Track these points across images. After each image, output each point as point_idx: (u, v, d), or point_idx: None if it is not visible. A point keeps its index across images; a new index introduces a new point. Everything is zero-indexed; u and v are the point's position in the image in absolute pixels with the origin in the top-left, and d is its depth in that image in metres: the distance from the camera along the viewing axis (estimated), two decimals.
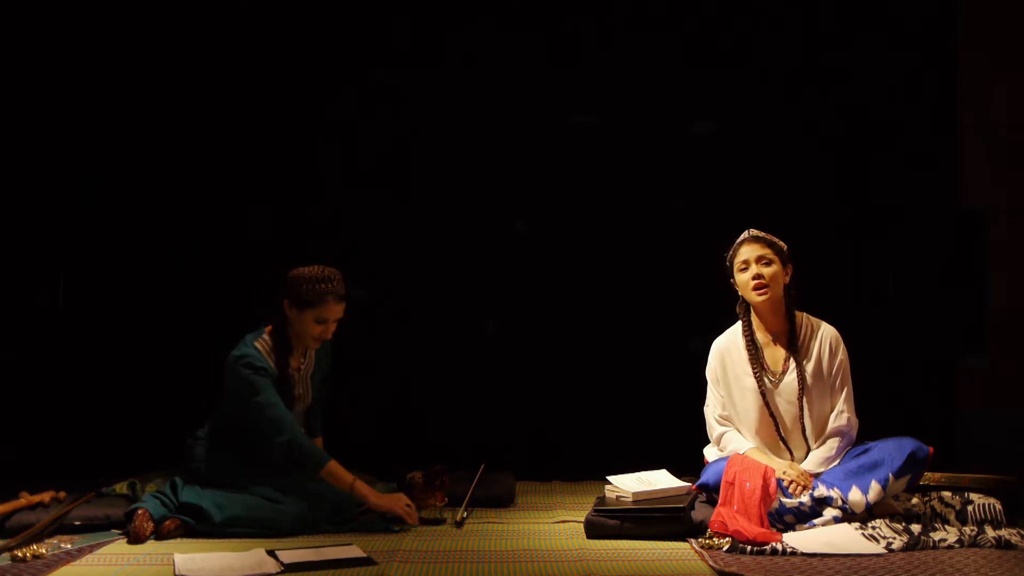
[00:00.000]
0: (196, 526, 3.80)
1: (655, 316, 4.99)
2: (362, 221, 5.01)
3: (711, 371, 4.07)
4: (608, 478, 3.96)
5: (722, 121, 5.01)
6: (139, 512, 3.77)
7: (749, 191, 4.94)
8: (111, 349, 4.92)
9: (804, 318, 4.01)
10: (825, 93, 4.97)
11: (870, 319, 4.84)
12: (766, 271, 3.90)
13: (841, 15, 4.97)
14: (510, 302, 5.01)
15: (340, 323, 4.05)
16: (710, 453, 4.08)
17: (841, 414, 3.92)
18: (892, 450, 3.75)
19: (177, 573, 3.31)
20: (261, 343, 3.98)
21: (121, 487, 4.22)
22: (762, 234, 3.97)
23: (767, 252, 3.92)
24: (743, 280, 3.94)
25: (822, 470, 3.85)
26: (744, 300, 4.01)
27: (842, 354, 3.96)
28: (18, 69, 4.90)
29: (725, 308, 4.20)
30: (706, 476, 3.91)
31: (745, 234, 4.00)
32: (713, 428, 4.05)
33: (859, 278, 4.96)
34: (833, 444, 3.89)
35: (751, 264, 3.92)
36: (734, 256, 3.98)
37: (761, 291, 3.90)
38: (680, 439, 4.42)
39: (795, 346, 3.95)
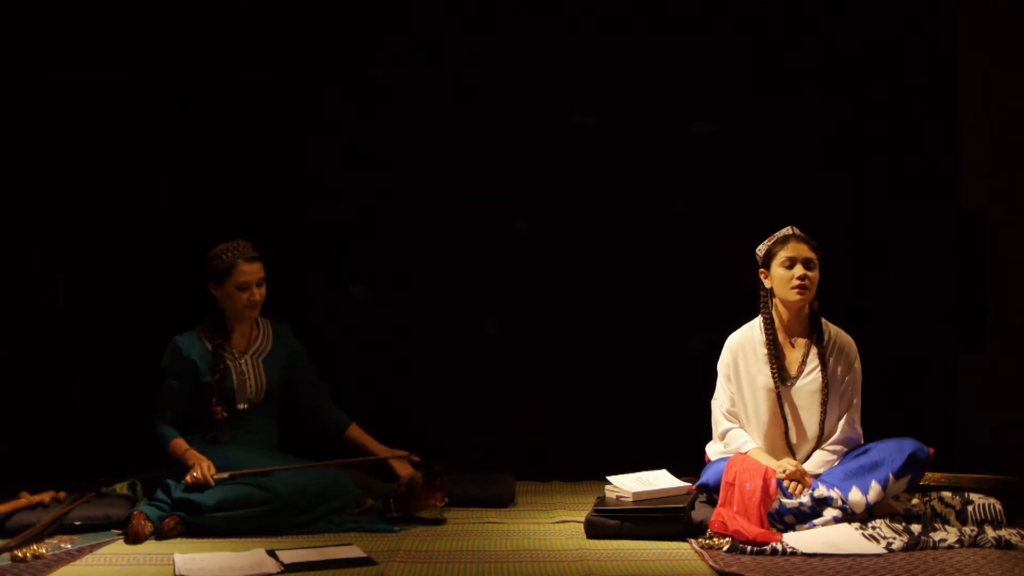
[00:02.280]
0: (191, 518, 3.82)
1: (655, 316, 4.98)
2: (362, 221, 5.01)
3: (723, 366, 4.05)
4: (608, 478, 3.96)
5: (722, 121, 5.01)
6: (135, 513, 3.82)
7: (749, 191, 4.93)
8: (111, 349, 4.91)
9: (824, 324, 4.00)
10: (825, 93, 4.97)
11: (870, 319, 4.84)
12: (810, 274, 3.89)
13: (841, 15, 4.96)
14: (510, 302, 5.00)
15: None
16: (712, 449, 4.08)
17: (851, 423, 3.92)
18: (892, 450, 3.75)
19: (177, 573, 3.31)
20: (200, 327, 4.18)
21: (121, 487, 4.22)
22: (807, 236, 3.96)
23: (813, 256, 3.91)
24: (784, 276, 3.90)
25: (822, 471, 3.85)
26: (769, 296, 3.99)
27: (856, 365, 3.96)
28: (18, 69, 4.89)
29: (725, 308, 4.20)
30: (706, 476, 3.91)
31: (788, 230, 3.97)
32: (719, 423, 4.05)
33: (859, 278, 4.95)
34: (837, 449, 3.89)
35: (798, 263, 3.89)
36: (778, 250, 3.93)
37: (801, 292, 3.88)
38: (680, 439, 4.42)
39: (824, 350, 3.94)
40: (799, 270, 3.89)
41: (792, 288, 3.89)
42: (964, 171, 4.96)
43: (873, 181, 4.98)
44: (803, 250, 3.91)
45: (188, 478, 3.88)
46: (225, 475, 3.91)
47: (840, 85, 4.97)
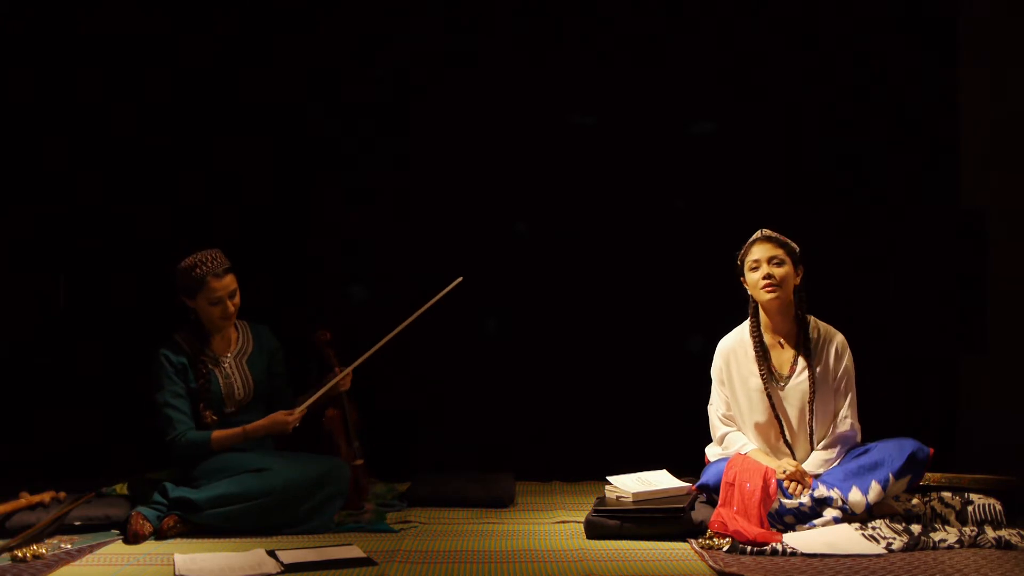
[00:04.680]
0: (189, 516, 3.83)
1: (655, 316, 4.98)
2: (362, 221, 5.01)
3: (716, 370, 4.07)
4: (608, 478, 3.96)
5: (722, 121, 5.01)
6: (133, 514, 3.82)
7: (749, 191, 4.93)
8: (111, 349, 4.91)
9: (813, 321, 4.00)
10: (825, 93, 4.97)
11: (870, 319, 4.84)
12: (777, 271, 3.90)
13: (842, 16, 4.96)
14: (510, 302, 5.00)
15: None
16: (712, 452, 4.08)
17: (845, 419, 3.92)
18: (892, 450, 3.75)
19: (177, 573, 3.31)
20: (180, 334, 4.14)
21: (121, 487, 4.23)
22: (775, 234, 3.96)
23: (779, 252, 3.92)
24: (753, 280, 3.93)
25: (821, 471, 3.85)
26: (754, 300, 4.00)
27: (848, 360, 3.96)
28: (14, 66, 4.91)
29: (725, 308, 4.19)
30: (706, 477, 3.91)
31: (758, 233, 3.99)
32: (716, 428, 4.05)
33: (859, 278, 4.96)
34: (835, 448, 3.89)
35: (762, 264, 3.91)
36: (745, 255, 3.97)
37: (771, 290, 3.89)
38: (680, 439, 4.41)
39: (808, 348, 3.94)
40: (764, 269, 3.90)
41: (762, 288, 3.91)
42: (964, 171, 4.96)
43: (873, 181, 4.97)
44: (767, 250, 3.93)
45: (290, 426, 4.04)
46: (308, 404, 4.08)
47: (840, 85, 4.97)
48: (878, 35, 4.97)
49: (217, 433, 4.02)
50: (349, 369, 4.18)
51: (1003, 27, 4.91)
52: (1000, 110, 4.91)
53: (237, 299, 4.11)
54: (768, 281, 3.89)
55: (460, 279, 4.20)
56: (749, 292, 3.99)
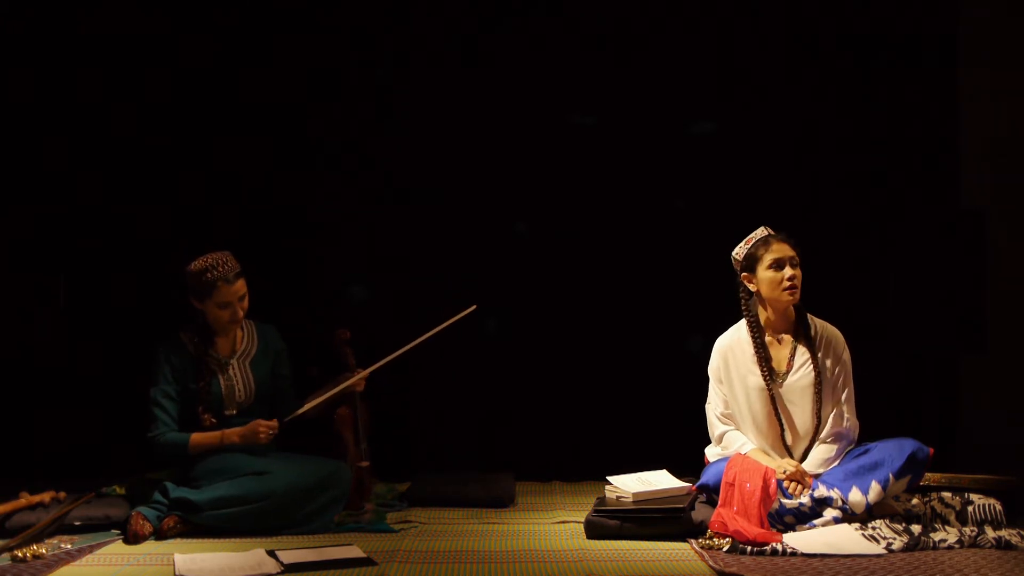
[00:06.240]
0: (189, 517, 3.83)
1: (655, 316, 4.98)
2: (362, 221, 5.01)
3: (714, 369, 4.06)
4: (608, 478, 3.96)
5: (722, 121, 5.01)
6: (133, 514, 3.81)
7: (750, 191, 4.93)
8: (111, 349, 4.91)
9: (809, 318, 4.00)
10: (825, 93, 4.97)
11: (870, 319, 4.84)
12: (798, 273, 3.90)
13: (841, 16, 4.96)
14: (510, 302, 5.00)
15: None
16: (711, 452, 4.08)
17: (842, 416, 3.92)
18: (892, 451, 3.75)
19: (177, 573, 3.31)
20: (185, 333, 4.15)
21: (121, 487, 4.22)
22: (782, 234, 3.96)
23: (795, 253, 3.92)
24: (773, 278, 3.90)
25: (821, 471, 3.85)
26: (751, 297, 3.99)
27: (845, 355, 3.96)
28: (14, 66, 4.91)
29: (725, 308, 4.19)
30: (706, 477, 3.91)
31: (762, 231, 3.97)
32: (715, 427, 4.05)
33: (859, 278, 4.96)
34: (833, 445, 3.90)
35: (785, 264, 3.89)
36: (761, 252, 3.93)
37: (792, 292, 3.88)
38: (680, 439, 4.41)
39: (811, 345, 3.94)
40: (788, 271, 3.89)
41: (784, 290, 3.89)
42: (964, 171, 4.96)
43: (873, 181, 4.97)
44: (786, 249, 3.92)
45: (262, 438, 3.99)
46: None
47: (840, 85, 4.97)
48: (878, 35, 4.96)
49: (195, 437, 4.01)
50: (365, 373, 4.18)
51: (1003, 27, 4.91)
52: (1000, 110, 4.91)
53: (246, 303, 4.10)
54: (792, 283, 3.88)
55: (474, 307, 4.29)
56: (755, 289, 3.97)
